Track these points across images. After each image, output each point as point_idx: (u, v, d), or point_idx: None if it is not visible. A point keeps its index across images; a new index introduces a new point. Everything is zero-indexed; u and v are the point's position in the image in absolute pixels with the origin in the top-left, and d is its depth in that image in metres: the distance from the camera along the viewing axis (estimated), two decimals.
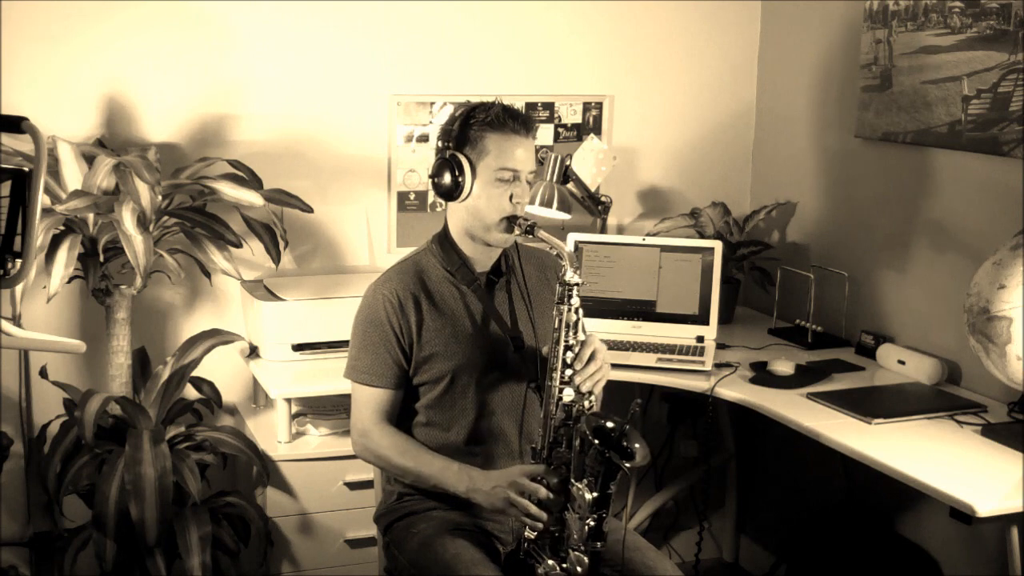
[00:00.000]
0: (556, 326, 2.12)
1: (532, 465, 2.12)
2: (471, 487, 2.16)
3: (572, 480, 2.02)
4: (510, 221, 2.21)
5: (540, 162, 3.24)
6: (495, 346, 2.29)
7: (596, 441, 1.96)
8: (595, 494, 1.97)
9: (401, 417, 2.32)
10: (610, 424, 2.00)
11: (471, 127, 2.21)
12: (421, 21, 3.26)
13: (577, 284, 2.12)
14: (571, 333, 2.12)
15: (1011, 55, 2.65)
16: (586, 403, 2.13)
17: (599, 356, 2.15)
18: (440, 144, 2.27)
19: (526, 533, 2.10)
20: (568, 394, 2.12)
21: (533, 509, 2.05)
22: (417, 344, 2.26)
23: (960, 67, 2.80)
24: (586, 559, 2.00)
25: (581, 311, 2.13)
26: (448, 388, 2.27)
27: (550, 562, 2.06)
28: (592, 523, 1.98)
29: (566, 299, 2.12)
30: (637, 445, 1.97)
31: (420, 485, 2.26)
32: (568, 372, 2.12)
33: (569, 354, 2.12)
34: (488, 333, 2.29)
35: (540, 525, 2.06)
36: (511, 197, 2.21)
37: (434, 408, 2.29)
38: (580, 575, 2.01)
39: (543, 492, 2.05)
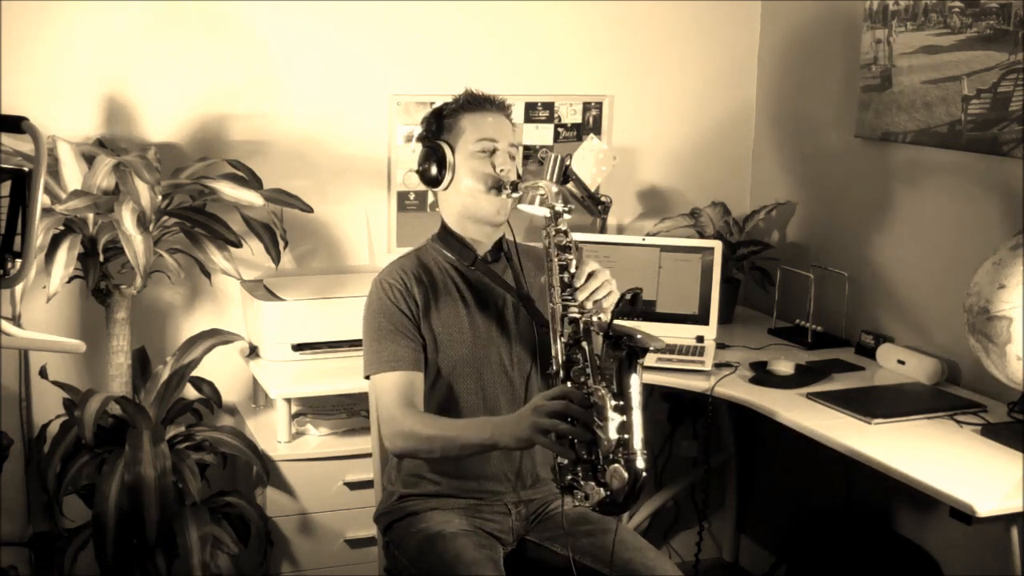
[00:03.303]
0: (546, 246, 2.12)
1: (549, 390, 2.04)
2: (494, 432, 2.07)
3: (591, 390, 1.95)
4: (498, 187, 2.23)
5: (540, 162, 3.25)
6: (500, 324, 2.30)
7: (609, 330, 1.90)
8: (618, 402, 1.90)
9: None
10: (612, 333, 1.93)
11: (444, 116, 2.30)
12: (421, 21, 3.27)
13: (566, 208, 2.11)
14: (564, 255, 2.10)
15: (1011, 55, 2.65)
16: (594, 318, 2.07)
17: (600, 275, 2.11)
18: (422, 140, 2.34)
19: (558, 460, 2.00)
20: (574, 311, 2.07)
21: (562, 426, 1.94)
22: (425, 325, 2.27)
23: (960, 67, 2.80)
24: (624, 471, 1.89)
25: (572, 236, 2.12)
26: (452, 371, 2.27)
27: (590, 484, 1.95)
28: (623, 433, 1.89)
29: (553, 222, 2.12)
30: (639, 335, 1.89)
31: (450, 453, 2.18)
32: (569, 292, 2.08)
33: (565, 274, 2.09)
34: (492, 314, 2.30)
35: (571, 451, 1.96)
36: (494, 166, 2.25)
37: (441, 392, 2.29)
38: (620, 488, 1.90)
39: (563, 405, 1.94)
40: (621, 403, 1.91)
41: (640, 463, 1.90)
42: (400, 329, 2.25)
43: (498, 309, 2.32)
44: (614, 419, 1.90)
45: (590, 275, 2.11)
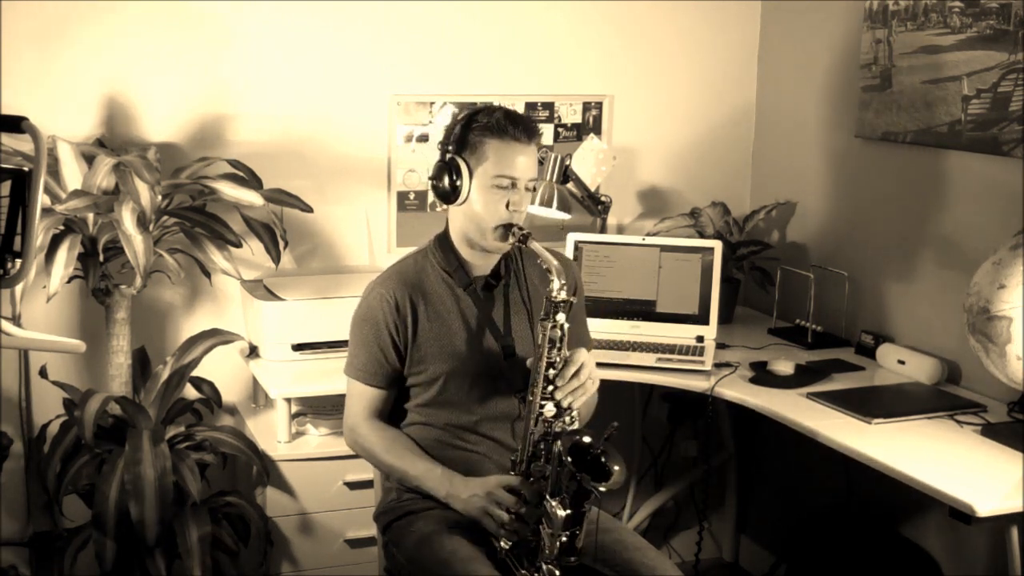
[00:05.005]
0: (539, 342, 2.12)
1: (510, 477, 2.14)
2: (450, 492, 2.18)
3: (547, 496, 2.02)
4: (506, 229, 2.20)
5: (540, 162, 3.24)
6: (488, 351, 2.29)
7: (570, 460, 1.96)
8: (568, 512, 1.97)
9: (394, 416, 2.34)
10: (587, 440, 2.01)
11: (472, 131, 2.21)
12: (421, 21, 3.26)
13: (563, 303, 2.11)
14: (554, 350, 2.12)
15: (1011, 55, 2.65)
16: (567, 419, 2.12)
17: (583, 373, 2.13)
18: (441, 147, 2.27)
19: (501, 543, 2.11)
20: (549, 409, 2.11)
21: (506, 520, 2.08)
22: (412, 345, 2.26)
23: (960, 67, 2.80)
24: (558, 573, 2.01)
25: (567, 327, 2.12)
26: (440, 391, 2.28)
27: (523, 572, 2.07)
28: (564, 540, 1.99)
29: (551, 315, 2.11)
30: (616, 468, 1.97)
31: (404, 484, 2.28)
32: (550, 388, 2.11)
33: (551, 371, 2.12)
34: (482, 338, 2.29)
35: (514, 536, 2.08)
36: (508, 204, 2.20)
37: (426, 410, 2.29)
38: None
39: (516, 505, 2.08)
40: (571, 515, 1.97)
41: (573, 559, 2.01)
42: (379, 343, 2.26)
43: (489, 333, 2.30)
44: (562, 535, 1.99)
45: (573, 375, 2.12)
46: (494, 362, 2.28)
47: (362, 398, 2.30)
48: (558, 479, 2.00)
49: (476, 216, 2.22)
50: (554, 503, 1.98)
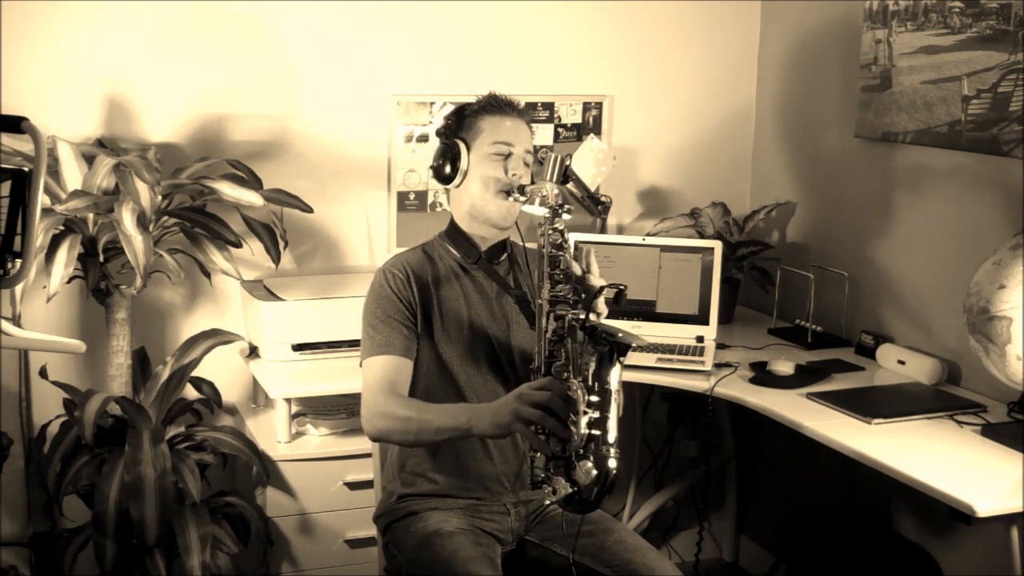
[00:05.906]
0: (541, 244, 2.12)
1: (536, 381, 2.04)
2: (471, 417, 2.06)
3: (569, 383, 1.92)
4: (507, 192, 2.25)
5: (540, 162, 3.24)
6: (499, 323, 2.31)
7: (589, 327, 1.88)
8: (592, 397, 1.87)
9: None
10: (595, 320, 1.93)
11: (466, 116, 2.32)
12: (421, 21, 3.27)
13: (559, 207, 2.11)
14: (556, 252, 2.10)
15: (1011, 55, 2.65)
16: (581, 315, 2.05)
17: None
18: (439, 135, 2.36)
19: (531, 452, 2.00)
20: (560, 308, 2.06)
21: (546, 420, 1.92)
22: (423, 319, 2.28)
23: (960, 67, 2.80)
24: (593, 469, 1.86)
25: (569, 236, 2.12)
26: (451, 365, 2.28)
27: (559, 480, 1.93)
28: (594, 429, 1.86)
29: (550, 222, 2.11)
30: (620, 333, 1.87)
31: (424, 436, 2.16)
32: (558, 287, 2.08)
33: (557, 271, 2.09)
34: (493, 310, 2.31)
35: (547, 447, 1.94)
36: (506, 171, 2.26)
37: (438, 385, 2.29)
38: (589, 486, 1.88)
39: (547, 397, 1.92)
40: (595, 399, 1.89)
41: (612, 462, 1.86)
42: (395, 316, 2.26)
43: (500, 307, 2.33)
44: (586, 414, 1.88)
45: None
46: (506, 334, 2.30)
47: (380, 371, 2.22)
48: (579, 370, 1.93)
49: (478, 188, 2.28)
50: (575, 386, 1.89)
